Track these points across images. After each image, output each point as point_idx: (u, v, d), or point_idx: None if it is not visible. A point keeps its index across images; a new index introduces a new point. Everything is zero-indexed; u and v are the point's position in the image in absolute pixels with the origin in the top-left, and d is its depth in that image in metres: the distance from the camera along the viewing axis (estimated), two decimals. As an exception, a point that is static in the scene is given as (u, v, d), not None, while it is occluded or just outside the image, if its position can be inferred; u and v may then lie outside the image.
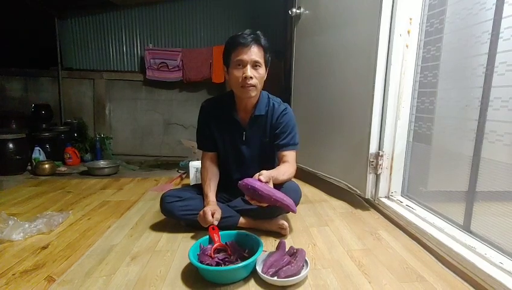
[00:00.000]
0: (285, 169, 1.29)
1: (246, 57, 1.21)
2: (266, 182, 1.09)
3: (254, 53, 1.22)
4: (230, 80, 1.28)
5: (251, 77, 1.21)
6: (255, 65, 1.23)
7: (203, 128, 1.42)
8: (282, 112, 1.37)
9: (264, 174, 1.10)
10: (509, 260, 0.95)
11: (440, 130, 1.41)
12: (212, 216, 1.21)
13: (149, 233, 1.35)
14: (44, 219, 1.37)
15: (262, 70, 1.26)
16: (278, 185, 1.26)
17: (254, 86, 1.24)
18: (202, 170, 1.42)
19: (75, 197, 1.86)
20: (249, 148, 1.40)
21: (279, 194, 1.09)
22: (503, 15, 1.04)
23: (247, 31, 1.24)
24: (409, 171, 1.59)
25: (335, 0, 1.84)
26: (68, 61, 3.43)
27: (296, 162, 1.38)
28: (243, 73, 1.22)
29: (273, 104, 1.38)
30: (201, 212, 1.24)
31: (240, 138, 1.38)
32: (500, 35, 1.05)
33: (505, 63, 1.04)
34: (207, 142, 1.43)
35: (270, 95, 1.41)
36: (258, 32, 1.26)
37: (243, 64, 1.22)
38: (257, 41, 1.23)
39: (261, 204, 1.10)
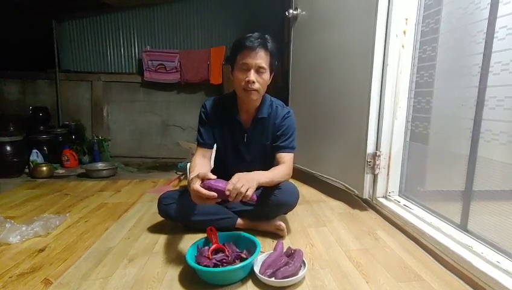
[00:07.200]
0: (281, 170, 1.28)
1: (251, 61, 1.19)
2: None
3: (260, 57, 1.19)
4: (234, 82, 1.27)
5: (253, 82, 1.20)
6: (259, 70, 1.21)
7: (204, 123, 1.37)
8: (285, 115, 1.36)
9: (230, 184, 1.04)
10: (505, 258, 0.95)
11: (437, 129, 1.41)
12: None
13: (146, 235, 1.34)
14: (41, 221, 1.37)
15: (266, 76, 1.24)
16: (274, 186, 1.26)
17: (256, 90, 1.23)
18: (192, 166, 1.26)
19: (72, 199, 1.85)
20: (250, 150, 1.39)
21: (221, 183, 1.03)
22: (498, 14, 1.05)
23: (256, 34, 1.22)
24: (406, 171, 1.59)
25: (331, 1, 1.84)
26: (65, 63, 3.43)
27: (293, 163, 1.38)
28: (246, 77, 1.21)
29: (276, 107, 1.37)
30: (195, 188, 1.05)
31: (241, 139, 1.38)
32: (495, 34, 1.06)
33: (500, 62, 1.04)
34: (207, 136, 1.36)
35: (273, 98, 1.40)
36: (266, 36, 1.23)
37: (247, 68, 1.21)
38: (264, 46, 1.20)
39: (247, 201, 1.06)
